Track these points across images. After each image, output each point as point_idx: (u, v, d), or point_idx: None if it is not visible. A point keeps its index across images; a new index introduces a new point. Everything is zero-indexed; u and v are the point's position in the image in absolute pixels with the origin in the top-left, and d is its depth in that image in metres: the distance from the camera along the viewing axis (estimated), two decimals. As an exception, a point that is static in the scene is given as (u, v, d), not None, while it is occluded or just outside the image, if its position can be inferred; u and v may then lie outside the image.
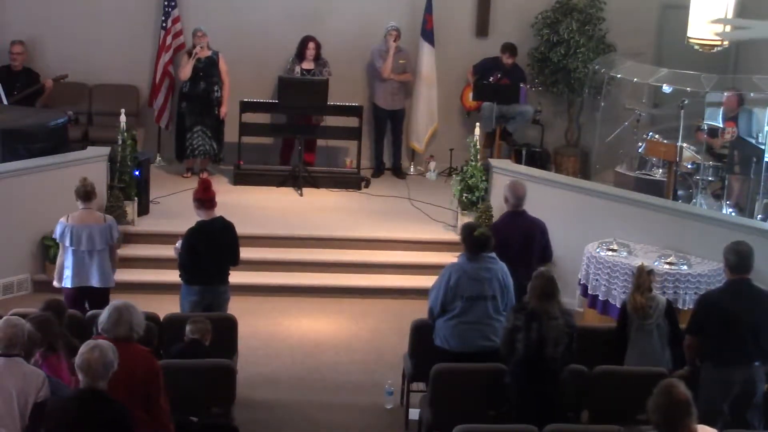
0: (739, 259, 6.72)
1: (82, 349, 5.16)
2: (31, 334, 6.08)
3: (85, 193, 8.11)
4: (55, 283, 8.34)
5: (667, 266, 8.97)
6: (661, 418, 4.64)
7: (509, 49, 12.77)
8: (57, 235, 8.18)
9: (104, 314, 5.72)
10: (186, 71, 12.13)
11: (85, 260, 8.11)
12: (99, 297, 8.08)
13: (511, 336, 6.59)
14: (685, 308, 8.67)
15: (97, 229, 8.11)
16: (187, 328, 7.15)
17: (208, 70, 12.19)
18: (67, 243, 8.07)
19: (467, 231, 7.30)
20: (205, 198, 8.08)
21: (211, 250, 7.99)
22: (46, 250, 9.97)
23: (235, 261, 8.20)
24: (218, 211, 8.31)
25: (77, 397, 5.16)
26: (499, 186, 10.71)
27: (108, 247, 8.21)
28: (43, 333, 6.05)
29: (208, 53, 12.18)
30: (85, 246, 8.07)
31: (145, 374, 5.58)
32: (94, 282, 8.15)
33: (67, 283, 8.15)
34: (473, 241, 7.20)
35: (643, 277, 7.30)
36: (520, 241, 7.91)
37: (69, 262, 8.12)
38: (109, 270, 8.25)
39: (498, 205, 10.53)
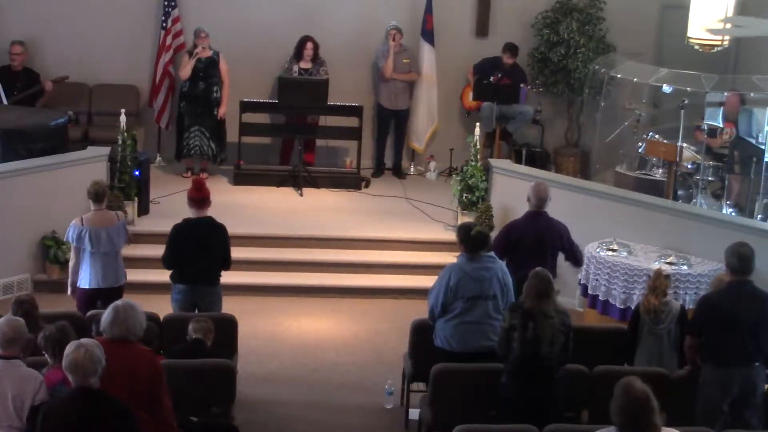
0: (740, 261, 6.72)
1: (67, 349, 5.14)
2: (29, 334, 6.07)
3: (97, 194, 8.13)
4: (69, 289, 8.29)
5: (667, 266, 8.96)
6: (624, 419, 4.58)
7: (510, 49, 12.77)
8: (71, 237, 8.11)
9: (105, 314, 5.73)
10: (186, 71, 12.13)
11: (103, 261, 8.11)
12: (113, 297, 8.07)
13: (508, 335, 6.61)
14: (687, 308, 8.66)
15: (114, 230, 8.14)
16: (190, 327, 7.16)
17: (208, 70, 12.19)
18: (87, 245, 8.05)
19: (464, 231, 7.33)
20: (196, 197, 8.08)
21: (193, 248, 7.96)
22: (46, 250, 9.97)
23: (223, 263, 8.11)
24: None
25: (73, 396, 5.14)
26: (499, 186, 10.76)
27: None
28: (62, 344, 6.01)
29: (209, 53, 12.18)
30: (105, 247, 8.09)
31: (148, 375, 5.55)
32: (109, 282, 8.16)
33: (84, 284, 8.12)
34: (472, 241, 7.21)
35: (659, 281, 7.33)
36: (533, 241, 7.99)
37: (86, 264, 8.10)
38: (121, 269, 8.30)
39: (498, 205, 10.55)
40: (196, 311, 7.95)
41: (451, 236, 10.52)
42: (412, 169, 13.37)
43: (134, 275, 9.83)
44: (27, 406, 5.58)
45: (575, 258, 8.37)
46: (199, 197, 8.08)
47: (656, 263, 8.88)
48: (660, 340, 7.25)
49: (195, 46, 12.21)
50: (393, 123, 13.06)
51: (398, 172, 13.16)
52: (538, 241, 8.05)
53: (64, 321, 6.38)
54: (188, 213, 8.22)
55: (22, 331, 5.83)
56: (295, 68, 12.48)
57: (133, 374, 5.46)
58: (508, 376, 6.68)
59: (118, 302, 5.73)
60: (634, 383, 4.57)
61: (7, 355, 5.71)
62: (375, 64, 12.96)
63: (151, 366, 5.62)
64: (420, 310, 8.33)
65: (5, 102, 11.73)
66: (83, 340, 5.26)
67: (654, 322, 7.25)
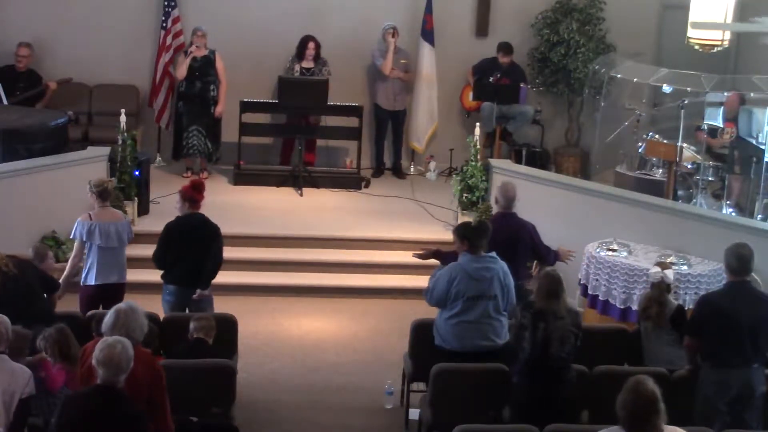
0: (739, 262, 6.72)
1: (101, 345, 5.16)
2: (17, 330, 6.06)
3: (104, 192, 8.17)
4: (61, 286, 8.11)
5: (668, 272, 8.93)
6: (628, 415, 4.59)
7: (504, 47, 12.78)
8: (80, 233, 8.09)
9: (107, 316, 5.71)
10: (182, 71, 12.12)
11: (111, 257, 8.14)
12: (117, 293, 8.09)
13: (519, 334, 6.62)
14: (686, 308, 8.65)
15: (122, 226, 8.21)
16: (191, 326, 7.16)
17: (204, 69, 12.18)
18: (98, 240, 8.06)
19: (463, 227, 7.43)
20: (196, 198, 8.11)
21: (187, 246, 7.97)
22: (47, 250, 9.96)
23: (214, 264, 8.07)
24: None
25: (95, 392, 5.15)
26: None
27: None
28: (62, 344, 6.00)
29: (205, 52, 12.17)
30: (114, 242, 8.12)
31: (148, 378, 5.55)
32: (115, 278, 8.18)
33: (91, 280, 8.12)
34: (474, 231, 7.28)
35: (656, 291, 7.44)
36: (505, 241, 7.90)
37: (94, 260, 8.11)
38: (125, 266, 8.33)
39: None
40: (187, 311, 7.94)
41: (452, 236, 10.56)
42: (412, 169, 13.37)
43: (134, 275, 9.82)
44: (16, 399, 5.59)
45: (540, 256, 8.37)
46: (198, 198, 8.09)
47: (656, 269, 8.84)
48: (656, 335, 7.33)
49: (191, 44, 12.21)
50: (390, 124, 13.07)
51: (398, 172, 13.16)
52: (511, 243, 7.97)
53: (62, 323, 6.40)
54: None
55: (7, 327, 5.82)
56: (297, 68, 12.48)
57: (133, 377, 5.43)
58: (518, 376, 6.69)
59: (121, 305, 5.72)
60: (645, 381, 4.59)
61: None
62: (373, 65, 12.96)
63: (151, 369, 5.62)
64: (420, 310, 8.34)
65: (5, 102, 11.73)
66: (117, 338, 5.29)
67: (644, 318, 7.42)
